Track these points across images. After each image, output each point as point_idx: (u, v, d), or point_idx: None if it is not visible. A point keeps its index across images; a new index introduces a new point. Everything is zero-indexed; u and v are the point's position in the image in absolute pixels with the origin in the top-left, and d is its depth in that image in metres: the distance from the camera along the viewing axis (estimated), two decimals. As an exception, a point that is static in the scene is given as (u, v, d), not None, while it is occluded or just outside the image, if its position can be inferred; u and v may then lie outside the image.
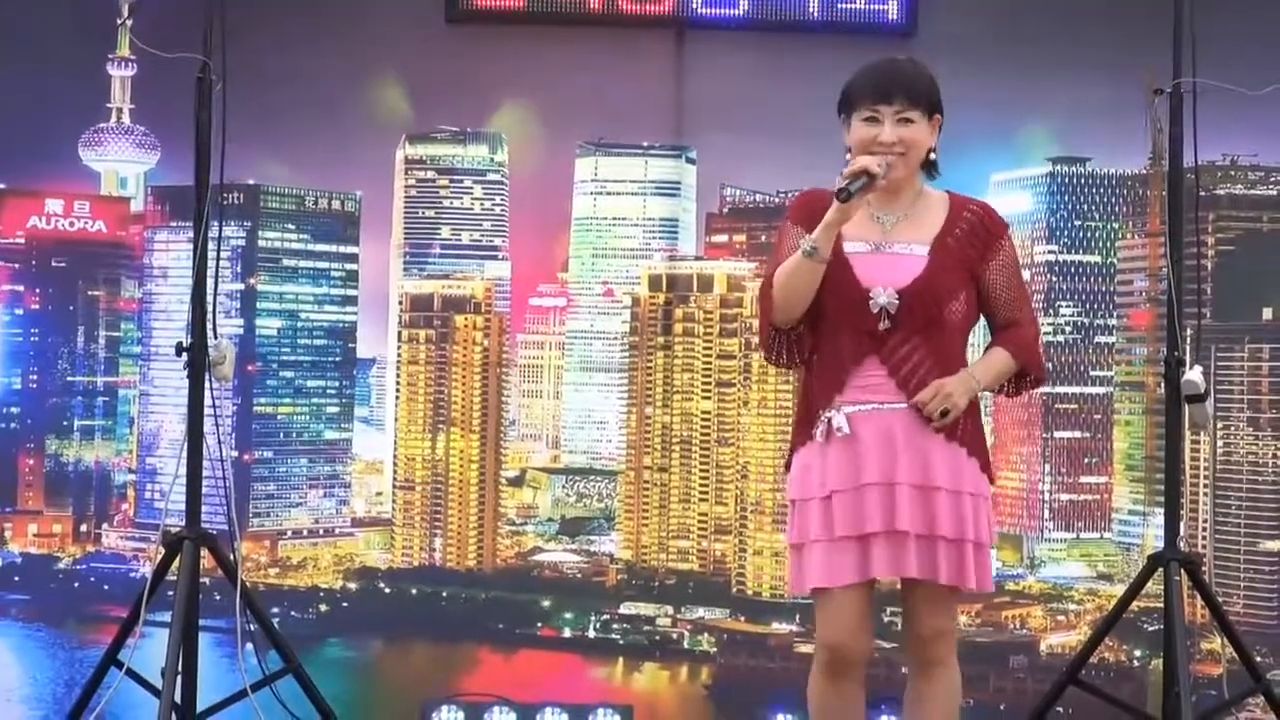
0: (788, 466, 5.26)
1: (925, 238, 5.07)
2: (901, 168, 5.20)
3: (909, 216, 5.14)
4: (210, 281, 7.77)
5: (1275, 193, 8.44)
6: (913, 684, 5.26)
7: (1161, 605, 7.67)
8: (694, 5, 8.35)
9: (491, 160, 8.59)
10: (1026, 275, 8.44)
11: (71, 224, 8.43)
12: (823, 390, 5.09)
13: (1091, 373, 8.38)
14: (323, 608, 8.30)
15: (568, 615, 8.46)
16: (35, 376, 8.45)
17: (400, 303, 8.50)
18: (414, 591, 8.40)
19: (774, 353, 5.21)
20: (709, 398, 8.47)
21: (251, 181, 8.29)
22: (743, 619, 8.40)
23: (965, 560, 5.05)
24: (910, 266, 5.05)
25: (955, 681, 5.27)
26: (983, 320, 5.31)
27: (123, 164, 8.44)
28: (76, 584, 8.31)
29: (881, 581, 5.27)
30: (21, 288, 8.44)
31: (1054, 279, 8.37)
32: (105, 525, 8.34)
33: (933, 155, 5.26)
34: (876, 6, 8.37)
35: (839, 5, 8.35)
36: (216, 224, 7.92)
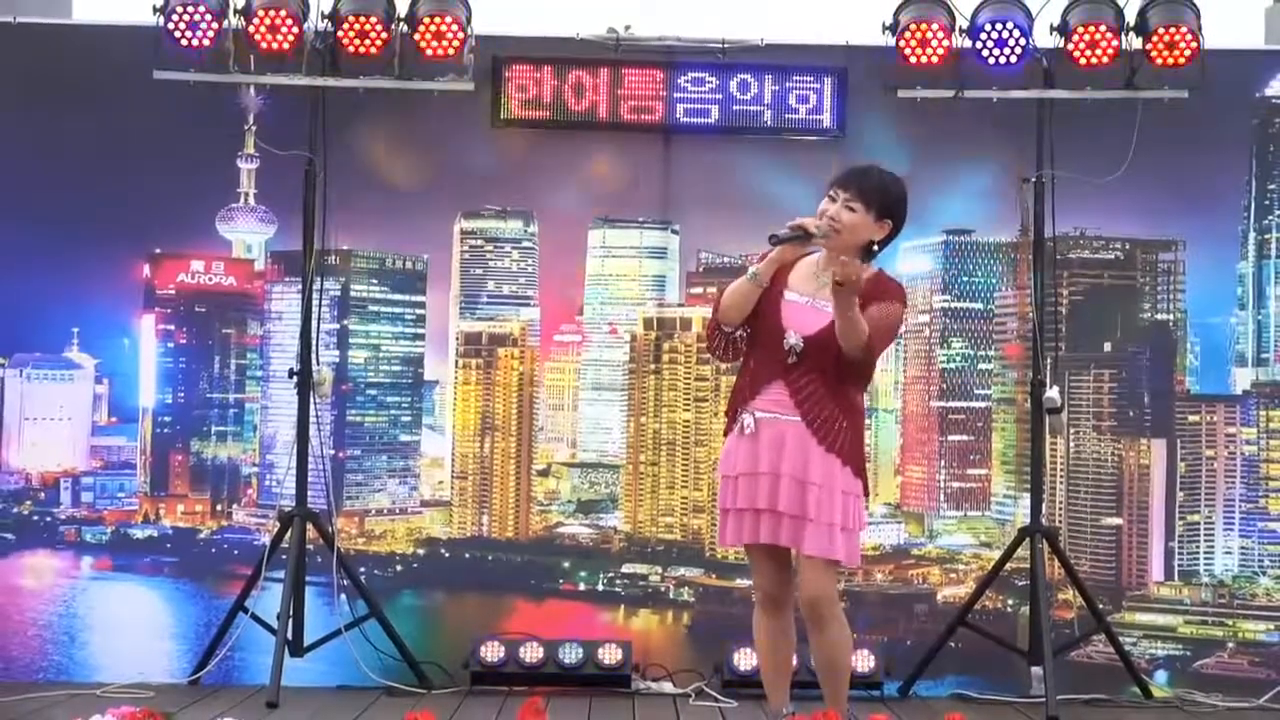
0: None
1: None
2: (838, 241, 5.28)
3: (836, 284, 5.22)
4: (314, 322, 7.86)
5: (1113, 256, 8.48)
6: (809, 635, 5.32)
7: (1028, 566, 7.74)
8: (677, 115, 8.41)
9: (525, 231, 8.63)
10: (926, 319, 8.50)
11: (210, 279, 8.46)
12: (741, 396, 5.22)
13: (975, 391, 8.42)
14: (398, 568, 8.33)
15: (583, 573, 8.48)
16: (183, 394, 8.48)
17: (457, 339, 8.53)
18: (467, 555, 8.43)
19: (713, 345, 5.34)
20: (689, 410, 8.50)
21: (345, 247, 8.33)
22: (714, 576, 8.42)
23: (834, 538, 5.12)
24: (820, 319, 5.16)
25: (838, 634, 5.30)
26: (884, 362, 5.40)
27: (248, 235, 8.48)
28: (213, 550, 8.33)
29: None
30: (173, 327, 8.47)
31: (947, 321, 8.41)
32: (235, 505, 8.37)
33: (875, 247, 5.35)
34: (814, 116, 8.42)
35: (786, 115, 8.41)
36: (319, 279, 8.00)
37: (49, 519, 8.53)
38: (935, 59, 7.70)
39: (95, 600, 8.43)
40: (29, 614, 8.42)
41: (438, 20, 7.65)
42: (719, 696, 7.60)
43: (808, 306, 5.19)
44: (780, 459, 5.09)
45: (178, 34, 7.59)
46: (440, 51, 7.67)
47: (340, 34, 7.69)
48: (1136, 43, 7.68)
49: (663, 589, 8.48)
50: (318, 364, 7.78)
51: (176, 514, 8.50)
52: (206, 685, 7.70)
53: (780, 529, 5.11)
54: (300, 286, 7.80)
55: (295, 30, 7.64)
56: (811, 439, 5.09)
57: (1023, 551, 7.67)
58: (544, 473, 8.70)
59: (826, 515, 5.06)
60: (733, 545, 5.31)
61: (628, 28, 8.44)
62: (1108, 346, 8.51)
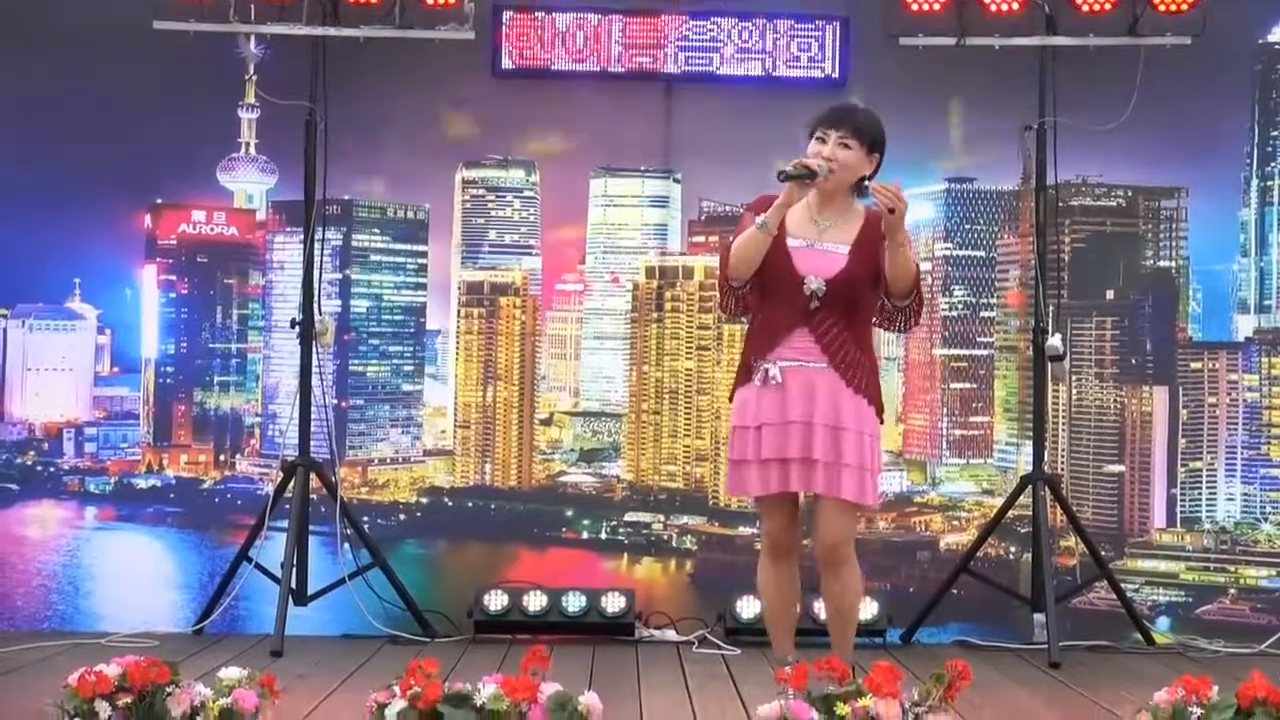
0: (731, 399, 5.34)
1: (847, 240, 5.14)
2: (834, 179, 5.24)
3: (837, 224, 5.20)
4: (316, 272, 7.80)
5: (1115, 204, 8.43)
6: (824, 579, 5.29)
7: (1031, 513, 7.70)
8: (679, 63, 8.37)
9: (527, 181, 8.57)
10: (929, 266, 8.44)
11: (211, 229, 8.41)
12: (760, 347, 5.15)
13: (978, 339, 8.38)
14: (401, 517, 8.30)
15: (586, 522, 8.46)
16: (185, 344, 8.45)
17: (459, 288, 8.48)
18: (470, 504, 8.40)
19: (725, 303, 5.29)
20: (690, 359, 8.46)
21: (346, 197, 8.27)
22: (716, 524, 8.40)
23: (864, 482, 5.10)
24: (836, 262, 5.12)
25: (856, 575, 5.31)
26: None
27: (250, 184, 8.42)
28: (216, 500, 8.31)
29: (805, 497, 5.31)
30: (174, 278, 8.43)
31: (949, 269, 8.36)
32: (238, 455, 8.34)
33: (866, 182, 5.31)
34: (816, 64, 8.37)
35: (788, 63, 8.36)
36: (320, 229, 7.94)
37: (52, 469, 8.51)
38: (937, 6, 7.63)
39: (99, 550, 8.41)
40: (33, 564, 8.40)
41: (438, -32, 7.58)
42: (722, 644, 7.57)
43: (815, 250, 5.13)
44: (812, 407, 5.04)
45: (177, -17, 7.52)
46: (441, 0, 7.60)
47: (340, -18, 7.61)
48: (1139, -12, 7.61)
49: (665, 537, 8.45)
50: (320, 314, 7.73)
51: (180, 464, 8.48)
52: (211, 634, 7.68)
53: (814, 476, 5.07)
54: (302, 236, 7.74)
55: (295, -21, 7.57)
56: (840, 382, 5.06)
57: (1025, 499, 7.64)
58: (546, 421, 8.67)
59: (858, 459, 5.05)
60: (756, 494, 5.20)
61: (629, -26, 8.39)
62: (1110, 294, 8.47)
